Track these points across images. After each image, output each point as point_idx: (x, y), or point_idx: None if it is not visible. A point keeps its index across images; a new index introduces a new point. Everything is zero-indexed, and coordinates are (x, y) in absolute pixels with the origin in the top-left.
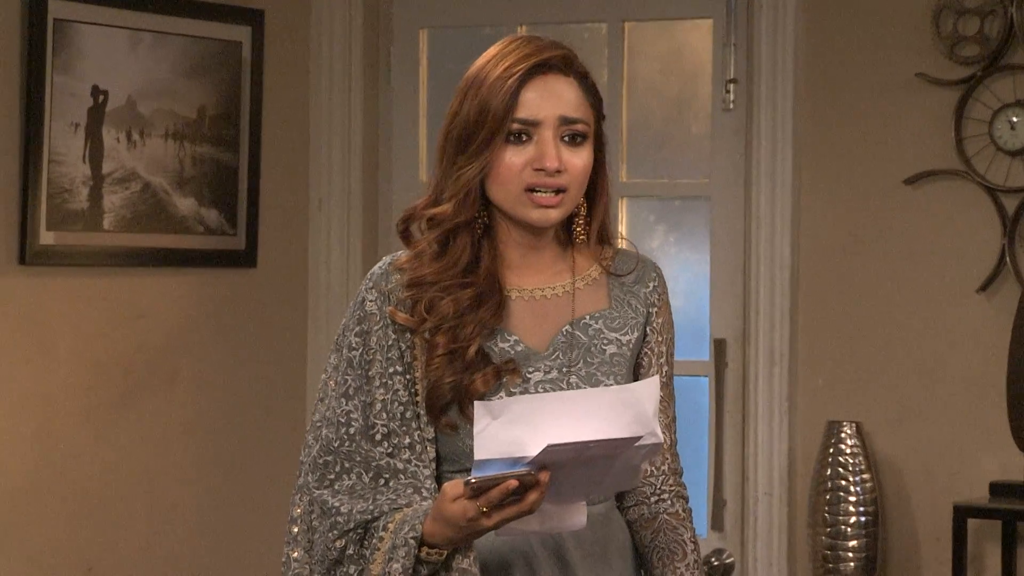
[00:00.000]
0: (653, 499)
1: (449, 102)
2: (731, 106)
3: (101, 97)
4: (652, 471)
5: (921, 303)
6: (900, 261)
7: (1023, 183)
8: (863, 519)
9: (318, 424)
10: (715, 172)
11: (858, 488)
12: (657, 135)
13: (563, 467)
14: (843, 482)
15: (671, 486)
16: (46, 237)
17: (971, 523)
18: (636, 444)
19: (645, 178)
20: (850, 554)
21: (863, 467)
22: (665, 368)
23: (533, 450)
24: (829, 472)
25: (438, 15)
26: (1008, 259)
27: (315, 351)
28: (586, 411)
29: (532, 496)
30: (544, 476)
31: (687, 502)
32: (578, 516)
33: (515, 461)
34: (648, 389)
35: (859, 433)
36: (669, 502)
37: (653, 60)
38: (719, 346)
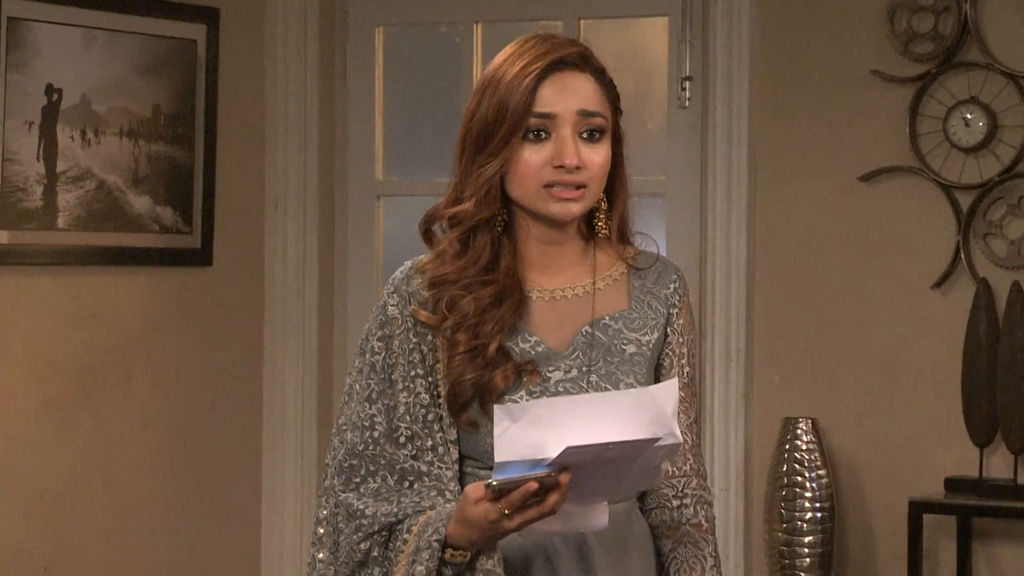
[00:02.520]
0: (675, 503)
1: (405, 100)
2: (687, 103)
3: (55, 95)
4: (673, 471)
5: (877, 299)
6: (856, 258)
7: (977, 180)
8: (819, 515)
9: (344, 427)
10: (671, 169)
11: (814, 484)
12: None
13: (583, 468)
14: (799, 478)
15: (694, 489)
16: (0, 236)
17: (927, 518)
18: (655, 445)
19: None
20: (806, 550)
21: (819, 463)
22: (687, 369)
23: (553, 452)
24: (785, 468)
25: (394, 13)
26: (963, 255)
27: (271, 349)
28: (605, 413)
29: (553, 498)
30: (564, 478)
31: (711, 508)
32: (600, 516)
33: (535, 463)
34: (667, 391)
35: (815, 429)
36: (692, 510)
37: (609, 57)
38: None
